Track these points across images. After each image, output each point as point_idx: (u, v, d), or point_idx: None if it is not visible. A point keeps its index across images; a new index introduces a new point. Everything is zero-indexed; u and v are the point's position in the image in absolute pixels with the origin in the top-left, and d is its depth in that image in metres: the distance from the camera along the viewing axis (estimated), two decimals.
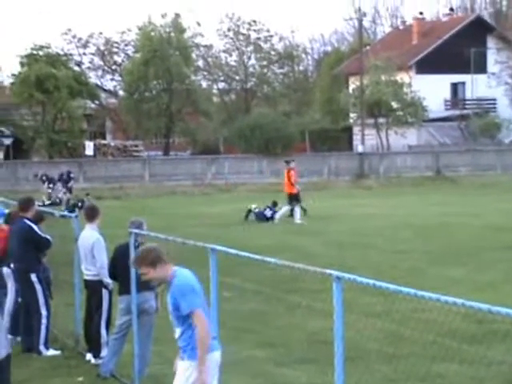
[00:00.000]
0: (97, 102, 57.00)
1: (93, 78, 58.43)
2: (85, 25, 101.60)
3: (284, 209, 27.64)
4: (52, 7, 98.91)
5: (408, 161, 50.97)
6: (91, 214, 10.57)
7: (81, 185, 41.58)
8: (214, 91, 65.00)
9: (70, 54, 56.69)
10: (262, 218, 27.67)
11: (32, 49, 50.77)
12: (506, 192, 37.28)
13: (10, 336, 11.70)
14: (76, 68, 55.54)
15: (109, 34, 60.43)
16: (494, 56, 60.22)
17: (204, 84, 62.47)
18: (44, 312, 10.90)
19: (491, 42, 61.63)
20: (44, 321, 10.89)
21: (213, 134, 58.63)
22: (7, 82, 54.53)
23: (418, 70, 59.69)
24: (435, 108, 56.73)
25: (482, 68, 60.13)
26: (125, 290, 9.45)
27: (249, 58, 63.46)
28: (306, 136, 55.39)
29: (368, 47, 61.83)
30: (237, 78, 63.97)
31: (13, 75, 51.48)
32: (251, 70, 63.74)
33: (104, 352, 10.24)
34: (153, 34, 55.22)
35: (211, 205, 34.86)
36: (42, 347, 10.88)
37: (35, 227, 11.03)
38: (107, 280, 10.21)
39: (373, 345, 10.50)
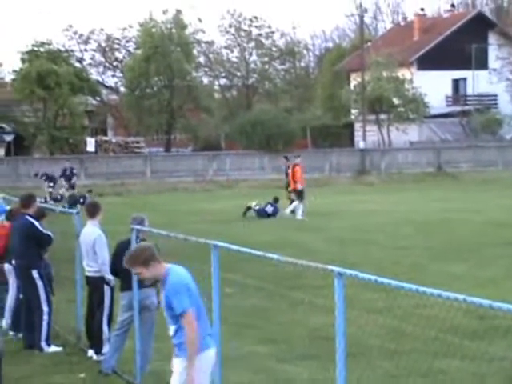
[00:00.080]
0: (98, 98, 57.00)
1: (94, 74, 58.46)
2: (86, 21, 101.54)
3: (293, 204, 27.43)
4: (53, 3, 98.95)
5: (409, 157, 50.96)
6: (93, 211, 10.57)
7: (82, 181, 41.58)
8: (216, 87, 64.99)
9: (72, 51, 56.70)
10: (263, 214, 27.61)
11: (33, 45, 50.76)
12: (507, 188, 37.28)
13: (11, 332, 11.75)
14: (77, 64, 55.52)
15: (110, 31, 60.77)
16: (495, 52, 60.17)
17: (205, 80, 62.47)
18: (45, 308, 10.90)
19: (492, 38, 61.56)
20: (45, 317, 10.89)
21: (214, 130, 58.61)
22: (8, 78, 54.57)
23: (419, 66, 59.65)
24: (436, 104, 56.69)
25: (483, 64, 60.07)
26: (126, 286, 9.45)
27: (250, 54, 63.44)
28: (307, 132, 55.37)
29: (369, 43, 61.80)
30: (238, 74, 63.95)
31: (14, 71, 51.46)
32: (252, 66, 63.72)
33: (106, 348, 10.24)
34: (154, 30, 55.18)
35: (213, 201, 34.86)
36: (43, 344, 10.88)
37: (37, 224, 11.03)
38: (109, 276, 10.21)
39: (374, 341, 10.50)
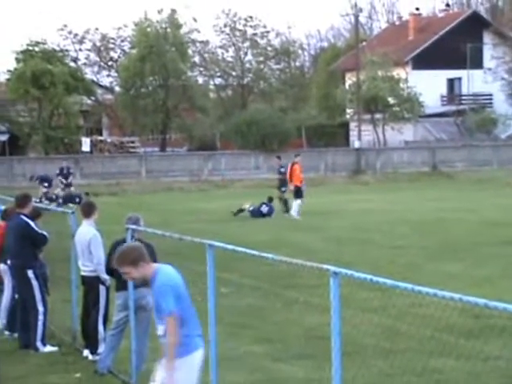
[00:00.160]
0: (93, 98, 56.92)
1: (89, 73, 58.37)
2: (81, 21, 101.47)
3: (297, 203, 27.37)
4: (48, 3, 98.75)
5: (404, 156, 51.02)
6: (88, 211, 10.56)
7: (77, 181, 41.51)
8: (211, 87, 64.98)
9: (66, 50, 56.60)
10: (258, 215, 27.55)
11: (28, 45, 50.67)
12: (502, 187, 37.34)
13: (7, 332, 11.74)
14: (72, 64, 55.43)
15: (105, 30, 60.77)
16: (490, 51, 60.23)
17: (200, 80, 62.44)
18: (41, 308, 10.89)
19: (487, 38, 61.64)
20: (41, 317, 10.88)
21: (209, 129, 58.58)
22: (3, 78, 54.40)
23: (414, 66, 59.71)
24: (431, 104, 56.75)
25: (478, 63, 60.16)
26: (122, 286, 9.44)
27: (245, 53, 63.43)
28: (302, 132, 55.39)
29: (364, 43, 61.86)
30: (233, 73, 63.93)
31: (8, 71, 51.35)
32: (248, 65, 63.70)
33: (101, 348, 10.24)
34: (149, 29, 55.14)
35: (208, 201, 34.86)
36: (38, 343, 10.87)
37: (32, 223, 11.01)
38: (104, 276, 10.20)
39: (370, 340, 10.51)
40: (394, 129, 53.02)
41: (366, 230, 23.07)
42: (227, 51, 63.67)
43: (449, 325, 10.31)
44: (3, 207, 13.06)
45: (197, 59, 62.67)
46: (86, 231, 10.38)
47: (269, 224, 25.88)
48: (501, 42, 60.44)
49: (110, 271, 9.90)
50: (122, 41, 60.19)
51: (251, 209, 27.82)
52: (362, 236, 21.91)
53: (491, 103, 60.52)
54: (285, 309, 13.03)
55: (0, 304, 12.07)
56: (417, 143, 54.62)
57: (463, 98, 61.30)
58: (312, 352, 10.06)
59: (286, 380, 9.41)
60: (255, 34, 62.77)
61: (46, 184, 34.49)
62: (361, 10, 60.60)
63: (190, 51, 58.96)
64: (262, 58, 63.63)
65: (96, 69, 60.87)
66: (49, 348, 10.91)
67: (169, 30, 55.38)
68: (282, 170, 29.46)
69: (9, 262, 11.29)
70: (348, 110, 58.02)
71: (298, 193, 27.27)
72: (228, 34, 62.93)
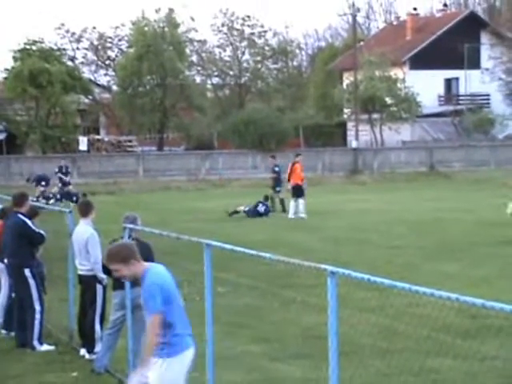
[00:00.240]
0: (90, 97, 56.90)
1: (86, 72, 58.34)
2: (78, 19, 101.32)
3: (301, 203, 27.31)
4: (45, 2, 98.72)
5: (402, 156, 51.03)
6: (85, 210, 10.55)
7: (75, 180, 41.48)
8: (208, 86, 64.95)
9: (64, 49, 56.56)
10: (254, 214, 27.51)
11: (25, 43, 50.65)
12: (499, 187, 37.34)
13: (3, 331, 11.73)
14: (69, 63, 55.42)
15: (102, 29, 60.54)
16: (487, 51, 60.26)
17: (198, 79, 62.42)
18: (38, 307, 10.88)
19: (485, 38, 61.67)
20: (38, 316, 10.87)
21: (207, 129, 58.58)
22: (0, 76, 54.40)
23: (411, 66, 59.73)
24: (429, 104, 56.77)
25: (475, 64, 60.19)
26: (119, 285, 9.43)
27: (243, 53, 63.43)
28: (299, 131, 55.39)
29: (362, 43, 61.84)
30: (231, 73, 63.93)
31: (6, 70, 51.34)
32: (245, 65, 63.71)
33: (98, 347, 10.23)
34: (146, 28, 55.13)
35: (205, 200, 34.85)
36: (35, 342, 10.86)
37: (29, 222, 11.01)
38: (101, 275, 10.20)
39: (367, 340, 10.52)
40: (392, 129, 53.02)
41: (363, 230, 23.07)
42: (225, 50, 63.74)
43: (446, 325, 10.32)
44: (0, 206, 13.05)
45: (194, 58, 62.69)
46: (84, 230, 10.38)
47: (266, 223, 25.88)
48: (498, 42, 60.46)
49: (107, 270, 9.89)
50: (120, 40, 60.19)
51: (247, 209, 27.76)
52: (359, 236, 21.91)
53: (489, 103, 60.55)
54: (282, 308, 13.03)
55: None
56: (414, 143, 54.64)
57: (461, 98, 61.33)
58: (309, 352, 10.06)
59: (283, 380, 9.41)
60: (253, 34, 62.79)
61: (43, 183, 34.44)
62: (358, 10, 60.58)
63: (187, 50, 58.95)
64: (259, 58, 63.64)
65: (93, 68, 60.90)
66: (46, 347, 10.90)
67: (166, 29, 55.36)
68: (276, 169, 29.50)
69: (6, 260, 11.28)
70: (345, 110, 58.03)
71: (299, 192, 27.19)
72: (225, 34, 62.95)
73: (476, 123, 56.34)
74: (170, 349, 6.44)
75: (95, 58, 60.85)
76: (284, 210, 27.99)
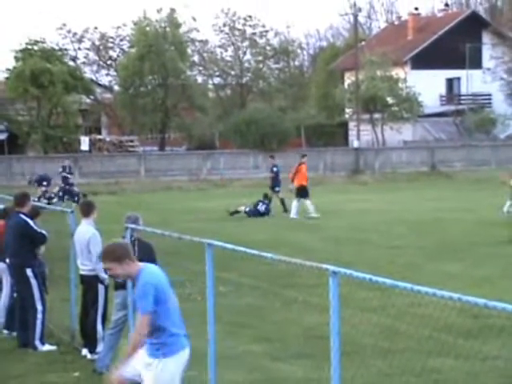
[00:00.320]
0: (92, 97, 56.89)
1: (88, 72, 58.34)
2: (80, 19, 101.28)
3: (308, 203, 27.27)
4: (47, 2, 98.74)
5: (403, 156, 51.02)
6: (87, 210, 10.56)
7: (76, 180, 41.41)
8: (210, 86, 64.94)
9: (65, 49, 56.55)
10: (256, 214, 27.50)
11: (27, 43, 50.61)
12: (500, 187, 37.28)
13: (5, 331, 11.73)
14: (71, 63, 55.40)
15: (104, 29, 60.66)
16: (489, 51, 60.24)
17: (199, 79, 62.40)
18: (39, 307, 10.88)
19: (486, 38, 61.64)
20: (39, 316, 10.87)
21: (208, 129, 58.57)
22: (2, 76, 54.32)
23: (413, 66, 59.71)
24: (430, 103, 56.75)
25: (477, 63, 60.15)
26: (121, 285, 9.44)
27: (244, 53, 63.42)
28: (301, 131, 55.37)
29: (363, 42, 61.85)
30: (232, 73, 63.92)
31: (7, 70, 51.31)
32: (247, 65, 63.70)
33: (100, 347, 10.23)
34: (148, 28, 55.12)
35: (207, 200, 34.85)
36: (37, 342, 10.87)
37: (31, 222, 11.01)
38: (103, 275, 10.19)
39: (368, 340, 10.51)
40: (393, 128, 53.00)
41: (364, 230, 23.07)
42: (226, 50, 63.70)
43: (448, 325, 10.31)
44: (2, 206, 13.06)
45: (196, 58, 62.68)
46: (85, 230, 10.38)
47: (267, 223, 25.88)
48: (500, 41, 60.44)
49: None
50: (121, 40, 60.18)
51: (247, 210, 27.75)
52: (360, 236, 21.91)
53: (490, 103, 60.53)
54: (284, 308, 13.03)
55: None
56: (416, 143, 54.62)
57: (462, 97, 61.31)
58: (311, 351, 10.06)
59: (284, 379, 9.41)
60: (254, 34, 62.77)
61: (44, 183, 34.44)
62: (360, 10, 60.59)
63: (189, 50, 58.93)
64: (261, 58, 63.62)
65: (95, 68, 60.89)
66: (47, 347, 10.90)
67: (168, 29, 55.35)
68: (275, 169, 29.56)
69: (8, 260, 11.29)
70: (347, 110, 58.01)
71: (303, 192, 27.14)
72: (227, 34, 62.94)
73: (477, 123, 56.32)
74: (166, 349, 6.45)
75: (97, 58, 60.86)
76: (285, 209, 27.96)
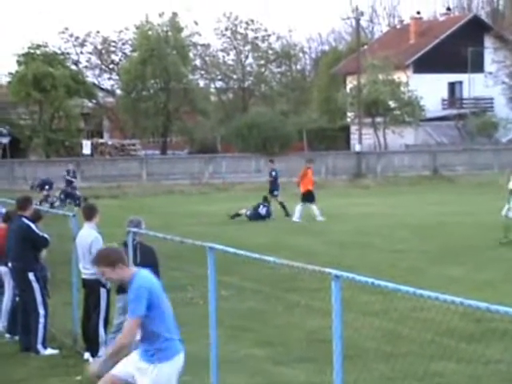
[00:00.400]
0: (94, 100, 56.97)
1: (90, 76, 58.45)
2: (82, 23, 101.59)
3: (313, 207, 27.25)
4: (49, 6, 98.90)
5: (405, 160, 51.01)
6: (89, 213, 10.57)
7: (78, 184, 41.51)
8: (212, 90, 65.02)
9: (68, 53, 56.64)
10: (257, 217, 27.49)
11: (29, 47, 50.71)
12: (502, 191, 37.27)
13: (7, 335, 11.73)
14: (73, 67, 55.49)
15: (106, 33, 60.77)
16: (491, 55, 60.27)
17: (201, 83, 62.50)
18: (42, 311, 10.88)
19: (488, 42, 61.69)
20: (42, 320, 10.87)
21: (210, 132, 58.62)
22: (4, 80, 54.50)
23: (415, 70, 59.74)
24: (432, 107, 56.77)
25: (479, 67, 60.18)
26: (122, 288, 9.42)
27: (246, 57, 63.48)
28: (303, 135, 55.38)
29: (365, 46, 61.88)
30: (234, 76, 63.97)
31: (10, 74, 51.42)
32: (249, 69, 63.75)
33: (102, 351, 10.23)
34: (150, 32, 55.19)
35: (209, 204, 34.86)
36: (39, 346, 10.86)
37: (33, 226, 11.02)
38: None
39: (371, 343, 10.50)
40: (395, 132, 53.03)
41: (366, 234, 23.05)
42: (228, 54, 63.80)
43: (450, 329, 10.29)
44: (4, 210, 13.07)
45: (198, 62, 62.74)
46: (88, 234, 10.38)
47: (268, 227, 25.87)
48: (502, 45, 60.50)
49: None
50: (123, 44, 60.26)
51: (248, 213, 27.75)
52: (362, 240, 21.90)
53: (492, 107, 60.53)
54: (286, 312, 13.02)
55: (1, 307, 12.07)
56: (417, 147, 54.62)
57: (464, 101, 61.33)
58: (313, 355, 10.05)
59: (287, 383, 9.40)
60: (256, 38, 62.83)
61: (46, 187, 34.51)
62: (362, 14, 60.62)
63: (191, 54, 59.01)
64: (262, 62, 63.69)
65: (97, 72, 60.97)
66: (49, 351, 10.90)
67: (170, 33, 55.43)
68: (274, 173, 29.61)
69: (10, 264, 11.30)
70: (349, 114, 58.04)
71: (309, 197, 27.11)
72: (229, 38, 63.00)
73: (479, 127, 56.32)
74: (160, 354, 6.45)
75: (99, 62, 60.93)
76: (287, 214, 27.94)
